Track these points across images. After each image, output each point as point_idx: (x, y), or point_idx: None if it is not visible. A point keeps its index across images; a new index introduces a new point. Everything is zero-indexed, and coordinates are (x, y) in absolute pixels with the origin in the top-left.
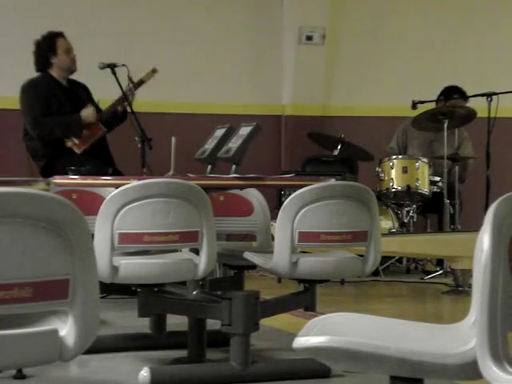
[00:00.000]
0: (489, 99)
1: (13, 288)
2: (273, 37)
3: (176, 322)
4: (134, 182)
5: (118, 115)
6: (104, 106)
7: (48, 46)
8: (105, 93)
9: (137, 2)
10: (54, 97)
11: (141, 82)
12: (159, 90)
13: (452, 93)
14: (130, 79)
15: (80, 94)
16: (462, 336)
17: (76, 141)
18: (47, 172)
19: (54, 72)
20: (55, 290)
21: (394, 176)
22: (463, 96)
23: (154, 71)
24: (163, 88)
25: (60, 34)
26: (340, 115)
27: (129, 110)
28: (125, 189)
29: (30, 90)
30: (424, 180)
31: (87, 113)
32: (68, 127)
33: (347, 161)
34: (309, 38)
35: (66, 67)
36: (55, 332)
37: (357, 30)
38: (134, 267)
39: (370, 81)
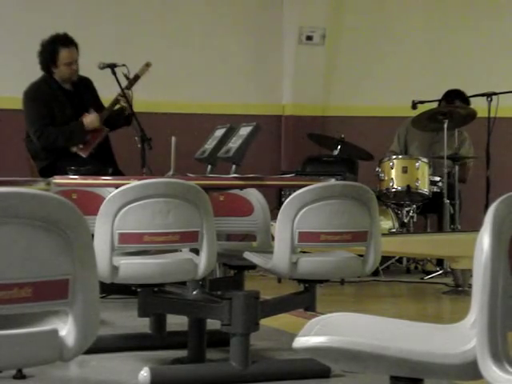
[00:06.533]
0: (489, 99)
1: (13, 288)
2: (273, 37)
3: (176, 321)
4: (134, 182)
5: (122, 116)
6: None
7: (49, 55)
8: (105, 93)
9: (137, 1)
10: (55, 100)
11: (136, 78)
12: (159, 90)
13: (454, 97)
14: (125, 76)
15: (84, 95)
16: (462, 336)
17: (80, 145)
18: (46, 172)
19: (56, 76)
20: (55, 290)
21: (394, 176)
22: (466, 101)
23: (147, 65)
24: (163, 88)
25: (64, 43)
26: (340, 115)
27: (128, 106)
28: (125, 189)
29: (32, 97)
30: (424, 180)
31: (90, 120)
32: (71, 135)
33: (347, 161)
34: (309, 37)
35: (65, 78)
36: (55, 332)
37: (357, 31)
38: (133, 267)
39: (370, 81)
